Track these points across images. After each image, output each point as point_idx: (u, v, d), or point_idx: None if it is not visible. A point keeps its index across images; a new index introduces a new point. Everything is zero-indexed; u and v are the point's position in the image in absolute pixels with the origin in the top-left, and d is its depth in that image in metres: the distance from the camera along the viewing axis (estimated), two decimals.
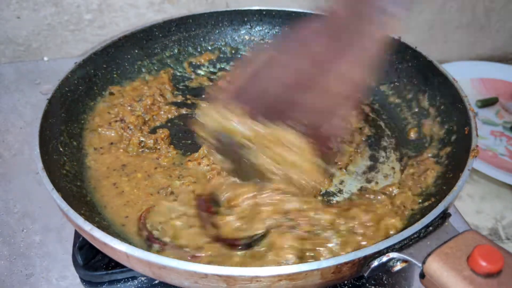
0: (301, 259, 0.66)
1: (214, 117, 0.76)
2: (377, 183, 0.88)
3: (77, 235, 0.80)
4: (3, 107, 1.18)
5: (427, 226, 0.62)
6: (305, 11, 1.18)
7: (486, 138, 1.37)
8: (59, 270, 0.80)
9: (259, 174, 0.78)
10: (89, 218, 0.76)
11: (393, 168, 0.91)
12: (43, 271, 0.80)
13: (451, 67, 1.53)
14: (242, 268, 0.57)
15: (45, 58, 1.37)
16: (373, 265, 0.59)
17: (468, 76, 1.59)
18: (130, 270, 0.74)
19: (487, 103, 1.50)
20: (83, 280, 0.78)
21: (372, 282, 0.77)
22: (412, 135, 0.97)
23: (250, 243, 0.70)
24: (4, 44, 1.32)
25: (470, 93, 1.52)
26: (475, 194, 1.22)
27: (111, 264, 0.76)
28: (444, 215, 0.65)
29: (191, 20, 1.19)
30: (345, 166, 0.91)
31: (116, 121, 0.97)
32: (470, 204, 1.20)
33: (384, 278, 0.78)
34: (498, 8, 1.60)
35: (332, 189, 0.87)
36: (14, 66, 1.34)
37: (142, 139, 0.95)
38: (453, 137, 0.86)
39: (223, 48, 1.23)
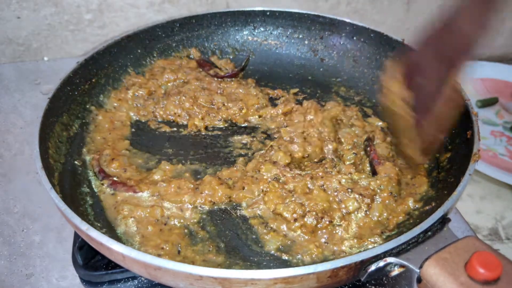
0: None
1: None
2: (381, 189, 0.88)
3: (77, 235, 0.80)
4: (3, 107, 1.19)
5: (425, 231, 0.61)
6: (307, 12, 1.18)
7: (486, 138, 1.37)
8: (59, 270, 0.80)
9: None
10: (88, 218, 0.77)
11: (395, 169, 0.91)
12: (43, 271, 0.80)
13: None
14: (238, 271, 0.57)
15: (45, 58, 1.37)
16: (370, 270, 0.59)
17: (468, 76, 1.58)
18: None
19: (487, 103, 1.50)
20: (83, 280, 0.78)
21: (372, 282, 0.77)
22: None
23: None
24: (4, 44, 1.32)
25: (470, 93, 1.51)
26: (475, 194, 1.22)
27: (111, 264, 0.76)
28: (444, 220, 0.64)
29: (194, 21, 1.19)
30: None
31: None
32: (470, 204, 1.19)
33: (384, 278, 0.78)
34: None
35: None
36: (14, 66, 1.34)
37: None
38: (455, 141, 0.86)
39: (226, 49, 1.23)
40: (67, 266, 0.80)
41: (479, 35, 0.73)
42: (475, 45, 0.74)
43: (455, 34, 0.75)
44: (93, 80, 1.01)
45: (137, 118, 1.03)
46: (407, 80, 0.79)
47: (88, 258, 0.78)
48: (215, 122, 1.02)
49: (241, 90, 1.07)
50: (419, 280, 0.57)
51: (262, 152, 0.93)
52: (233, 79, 1.11)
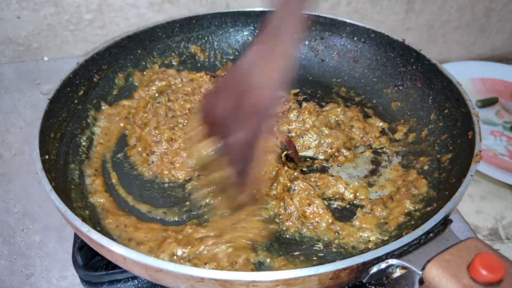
0: None
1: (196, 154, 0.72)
2: (382, 188, 0.88)
3: (77, 235, 0.80)
4: (3, 107, 1.18)
5: (427, 233, 0.61)
6: (308, 12, 1.17)
7: (486, 138, 1.37)
8: (59, 270, 0.80)
9: None
10: (89, 219, 0.76)
11: (396, 171, 0.91)
12: (43, 271, 0.80)
13: (451, 67, 1.53)
14: (239, 273, 0.57)
15: (45, 58, 1.37)
16: (371, 271, 0.59)
17: (468, 76, 1.58)
18: None
19: (487, 103, 1.50)
20: (83, 280, 0.78)
21: (372, 282, 0.77)
22: (415, 139, 0.96)
23: None
24: (4, 44, 1.32)
25: (470, 93, 1.52)
26: (475, 194, 1.22)
27: (111, 264, 0.76)
28: (445, 222, 0.64)
29: (194, 21, 1.18)
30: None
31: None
32: (470, 204, 1.19)
33: (384, 279, 0.78)
34: (498, 8, 1.59)
35: (331, 192, 0.86)
36: (14, 66, 1.33)
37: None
38: (456, 142, 0.85)
39: (226, 49, 1.22)
40: (67, 266, 0.80)
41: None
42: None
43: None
44: (93, 81, 1.01)
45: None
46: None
47: (88, 258, 0.78)
48: None
49: None
50: (421, 282, 0.57)
51: None
52: None
